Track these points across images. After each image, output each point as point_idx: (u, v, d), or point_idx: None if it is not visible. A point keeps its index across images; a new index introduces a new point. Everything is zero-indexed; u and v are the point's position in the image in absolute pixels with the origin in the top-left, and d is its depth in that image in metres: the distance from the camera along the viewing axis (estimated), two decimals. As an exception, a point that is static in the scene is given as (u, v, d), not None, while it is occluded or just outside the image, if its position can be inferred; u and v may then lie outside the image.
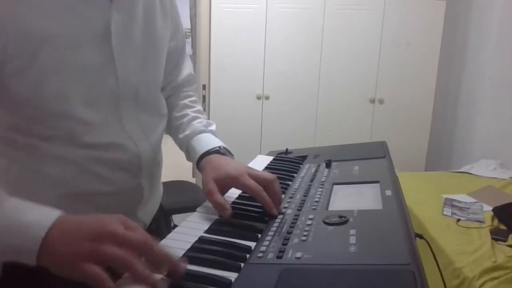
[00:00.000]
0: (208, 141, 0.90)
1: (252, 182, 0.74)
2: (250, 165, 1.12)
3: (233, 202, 0.81)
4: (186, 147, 0.92)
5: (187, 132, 0.92)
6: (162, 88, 0.93)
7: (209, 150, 0.87)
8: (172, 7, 0.90)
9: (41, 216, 0.52)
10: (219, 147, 0.89)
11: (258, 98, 3.25)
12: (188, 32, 3.82)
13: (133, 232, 0.51)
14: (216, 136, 0.94)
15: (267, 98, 3.26)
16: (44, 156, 0.73)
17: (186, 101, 0.99)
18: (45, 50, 0.65)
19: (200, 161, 0.86)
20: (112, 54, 0.73)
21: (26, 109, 0.69)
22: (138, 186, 0.84)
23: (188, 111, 0.97)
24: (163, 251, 0.52)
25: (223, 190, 0.77)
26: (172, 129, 0.97)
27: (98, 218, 0.53)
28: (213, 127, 0.96)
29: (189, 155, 0.92)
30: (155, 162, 0.88)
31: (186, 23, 5.62)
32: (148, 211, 0.93)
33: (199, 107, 1.00)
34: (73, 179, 0.75)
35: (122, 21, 0.74)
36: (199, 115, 0.97)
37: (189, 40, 4.18)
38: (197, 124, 0.94)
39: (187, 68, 1.01)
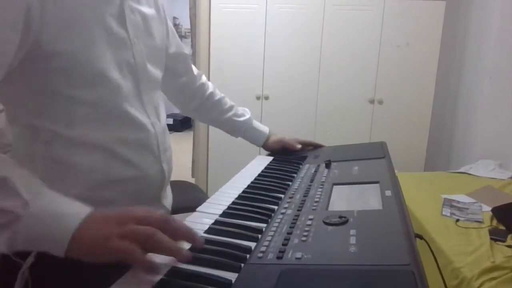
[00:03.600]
0: (260, 124, 1.29)
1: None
2: (250, 165, 1.12)
3: (233, 202, 0.82)
4: (244, 128, 1.24)
5: (245, 118, 1.25)
6: (180, 91, 1.15)
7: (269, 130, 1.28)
8: (166, 19, 1.01)
9: (75, 209, 0.56)
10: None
11: (258, 98, 3.25)
12: (188, 32, 3.81)
13: (152, 213, 0.57)
14: None
15: (266, 98, 3.26)
16: (69, 145, 0.74)
17: (218, 93, 1.23)
18: (76, 24, 0.70)
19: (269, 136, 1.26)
20: (128, 35, 0.80)
21: (62, 79, 0.71)
22: (160, 170, 0.87)
23: (228, 101, 1.24)
24: (183, 224, 0.57)
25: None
26: (224, 118, 1.22)
27: (120, 210, 0.58)
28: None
29: (247, 133, 1.25)
30: (167, 147, 0.92)
31: (185, 23, 5.62)
32: (169, 198, 0.98)
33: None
34: (102, 165, 0.77)
35: (130, 7, 0.81)
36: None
37: (188, 40, 4.18)
38: (243, 111, 1.26)
39: (195, 69, 1.18)
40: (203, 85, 1.20)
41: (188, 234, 0.58)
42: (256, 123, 1.27)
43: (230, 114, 1.23)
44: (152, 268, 0.53)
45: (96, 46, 0.74)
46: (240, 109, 1.26)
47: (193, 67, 1.18)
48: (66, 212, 0.55)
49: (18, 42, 0.64)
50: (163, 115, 0.93)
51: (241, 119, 1.24)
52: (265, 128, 1.28)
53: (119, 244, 0.52)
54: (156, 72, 0.90)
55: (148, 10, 0.88)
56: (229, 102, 1.24)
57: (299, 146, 1.25)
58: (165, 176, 0.89)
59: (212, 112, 1.23)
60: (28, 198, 0.55)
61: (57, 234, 0.54)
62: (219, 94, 1.23)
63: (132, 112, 0.80)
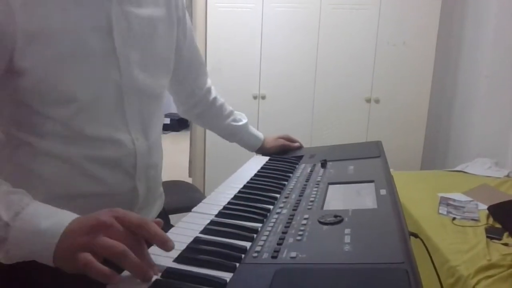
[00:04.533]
0: (254, 129, 1.28)
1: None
2: (246, 165, 1.12)
3: (229, 203, 0.82)
4: (241, 133, 1.24)
5: (244, 121, 1.24)
6: (187, 96, 1.12)
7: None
8: (185, 23, 0.97)
9: (54, 224, 0.56)
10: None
11: (255, 97, 3.25)
12: (184, 32, 3.80)
13: (125, 214, 0.55)
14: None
15: (263, 97, 3.27)
16: (38, 154, 0.73)
17: (219, 100, 1.21)
18: (47, 38, 0.66)
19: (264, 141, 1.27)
20: (114, 45, 0.74)
21: (31, 95, 0.69)
22: (133, 189, 0.83)
23: (227, 108, 1.23)
24: (155, 228, 0.55)
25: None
26: (224, 124, 1.21)
27: (95, 213, 0.56)
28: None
29: (248, 138, 1.26)
30: (152, 164, 0.88)
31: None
32: (151, 214, 0.93)
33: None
34: (66, 178, 0.75)
35: (123, 13, 0.75)
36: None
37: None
38: (239, 116, 1.25)
39: (208, 81, 1.17)
40: (208, 90, 1.17)
41: (161, 239, 0.55)
42: (252, 129, 1.27)
43: (229, 120, 1.22)
44: (111, 278, 0.51)
45: (66, 63, 0.69)
46: (237, 114, 1.25)
47: (206, 72, 1.16)
48: (46, 228, 0.55)
49: None
50: (154, 129, 0.88)
51: (239, 124, 1.23)
52: (260, 134, 1.29)
53: (80, 257, 0.51)
54: (152, 81, 0.84)
55: (152, 11, 0.82)
56: (228, 107, 1.23)
57: (297, 144, 1.27)
58: (138, 195, 0.84)
59: (213, 119, 1.22)
60: (7, 219, 0.55)
61: (41, 250, 0.55)
62: (220, 99, 1.21)
63: (105, 132, 0.76)
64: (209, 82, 1.18)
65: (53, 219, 0.56)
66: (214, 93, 1.19)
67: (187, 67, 1.04)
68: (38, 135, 0.72)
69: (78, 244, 0.53)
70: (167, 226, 0.85)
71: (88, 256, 0.51)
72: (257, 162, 1.14)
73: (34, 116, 0.71)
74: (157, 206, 0.97)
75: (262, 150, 1.27)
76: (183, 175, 3.49)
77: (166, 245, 0.55)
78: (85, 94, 0.72)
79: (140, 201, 0.86)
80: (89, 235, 0.53)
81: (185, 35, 0.97)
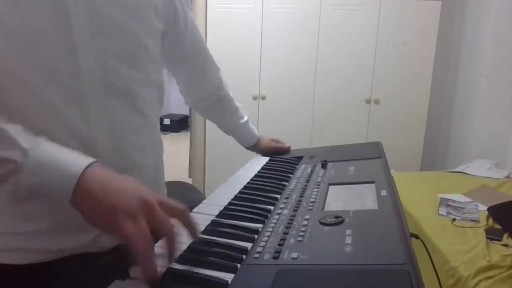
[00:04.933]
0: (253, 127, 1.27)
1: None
2: (247, 165, 1.12)
3: (230, 203, 0.82)
4: (244, 129, 1.24)
5: (246, 118, 1.24)
6: (193, 83, 1.10)
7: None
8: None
9: (78, 158, 0.54)
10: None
11: (254, 98, 3.26)
12: (184, 32, 3.80)
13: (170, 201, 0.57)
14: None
15: (263, 98, 3.27)
16: None
17: (229, 97, 1.20)
18: None
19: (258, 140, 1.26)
20: (71, 28, 0.63)
21: None
22: None
23: (233, 104, 1.21)
24: (194, 220, 0.59)
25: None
26: (228, 120, 1.21)
27: (141, 185, 0.56)
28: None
29: (245, 135, 1.25)
30: (129, 167, 0.75)
31: (182, 23, 5.59)
32: None
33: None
34: None
35: None
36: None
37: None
38: (244, 114, 1.24)
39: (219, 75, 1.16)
40: (220, 82, 1.15)
41: (194, 229, 0.60)
42: (250, 127, 1.27)
43: (232, 117, 1.22)
44: (151, 268, 0.50)
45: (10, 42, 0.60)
46: (240, 110, 1.25)
47: (214, 63, 1.14)
48: (68, 160, 0.53)
49: None
50: (130, 126, 0.75)
51: (240, 121, 1.23)
52: (256, 133, 1.28)
53: (128, 226, 0.50)
54: (129, 73, 0.72)
55: None
56: (233, 104, 1.22)
57: (288, 145, 1.29)
58: None
59: (219, 113, 1.21)
60: (26, 147, 0.53)
61: (60, 181, 0.52)
62: (228, 95, 1.19)
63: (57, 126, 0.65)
64: (220, 75, 1.16)
65: (75, 154, 0.55)
66: (225, 89, 1.17)
67: (191, 54, 1.02)
68: None
69: (127, 210, 0.51)
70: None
71: (138, 232, 0.49)
72: (257, 162, 1.14)
73: None
74: None
75: (255, 148, 1.29)
76: (183, 176, 3.49)
77: (196, 235, 0.60)
78: (38, 79, 0.63)
79: None
80: (141, 203, 0.52)
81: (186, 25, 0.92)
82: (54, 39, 0.63)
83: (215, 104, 1.18)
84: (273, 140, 1.29)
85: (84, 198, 0.53)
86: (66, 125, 0.66)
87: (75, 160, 0.54)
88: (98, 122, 0.69)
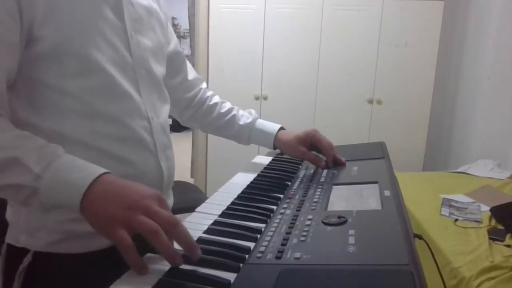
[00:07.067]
0: (268, 123, 1.15)
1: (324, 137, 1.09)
2: (249, 165, 1.12)
3: (232, 203, 0.82)
4: (249, 131, 1.12)
5: (248, 121, 1.13)
6: (175, 93, 1.06)
7: (279, 128, 1.12)
8: (165, 13, 0.98)
9: (83, 175, 0.59)
10: (281, 126, 1.14)
11: (257, 98, 3.26)
12: (187, 33, 3.81)
13: (164, 210, 0.57)
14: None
15: (265, 98, 3.27)
16: (62, 143, 0.67)
17: (217, 99, 1.16)
18: (66, 8, 0.69)
19: (276, 136, 1.10)
20: (125, 27, 0.78)
21: (49, 65, 0.69)
22: (158, 167, 0.83)
23: (228, 105, 1.16)
24: (185, 232, 0.57)
25: (308, 147, 1.07)
26: (223, 122, 1.13)
27: (138, 189, 0.59)
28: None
29: (253, 137, 1.13)
30: (167, 144, 0.89)
31: (184, 23, 5.61)
32: (170, 200, 0.95)
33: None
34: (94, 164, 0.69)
35: (130, 1, 0.80)
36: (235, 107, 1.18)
37: (187, 41, 4.18)
38: (247, 114, 1.15)
39: (192, 72, 1.14)
40: (200, 89, 1.13)
41: (189, 245, 0.57)
42: (262, 124, 1.14)
43: (229, 117, 1.13)
44: (141, 268, 0.55)
45: (89, 33, 0.71)
46: (241, 112, 1.16)
47: (192, 70, 1.13)
48: (73, 179, 0.59)
49: (19, 30, 0.65)
50: (162, 110, 0.89)
51: (242, 122, 1.13)
52: (272, 128, 1.12)
53: (119, 234, 0.54)
54: (158, 69, 0.87)
55: (148, 3, 0.86)
56: (228, 105, 1.16)
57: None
58: (162, 174, 0.84)
59: (209, 116, 1.13)
60: (38, 172, 0.59)
61: (69, 199, 0.58)
62: (217, 98, 1.16)
63: (123, 109, 0.77)
64: (203, 84, 1.16)
65: (82, 172, 0.60)
66: (209, 93, 1.15)
67: (171, 60, 1.03)
68: (58, 118, 0.71)
69: (119, 217, 0.55)
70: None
71: (128, 239, 0.54)
72: (259, 162, 1.14)
73: (51, 93, 0.70)
74: (170, 201, 0.97)
75: (279, 146, 1.12)
76: (185, 176, 3.50)
77: (194, 254, 0.57)
78: (106, 64, 0.73)
79: (165, 182, 0.86)
80: (130, 210, 0.56)
81: (168, 29, 1.00)
82: (114, 28, 0.76)
83: (202, 106, 1.14)
84: (302, 142, 1.07)
85: (87, 212, 0.59)
86: (136, 110, 0.79)
87: (82, 176, 0.59)
88: (149, 105, 0.82)
